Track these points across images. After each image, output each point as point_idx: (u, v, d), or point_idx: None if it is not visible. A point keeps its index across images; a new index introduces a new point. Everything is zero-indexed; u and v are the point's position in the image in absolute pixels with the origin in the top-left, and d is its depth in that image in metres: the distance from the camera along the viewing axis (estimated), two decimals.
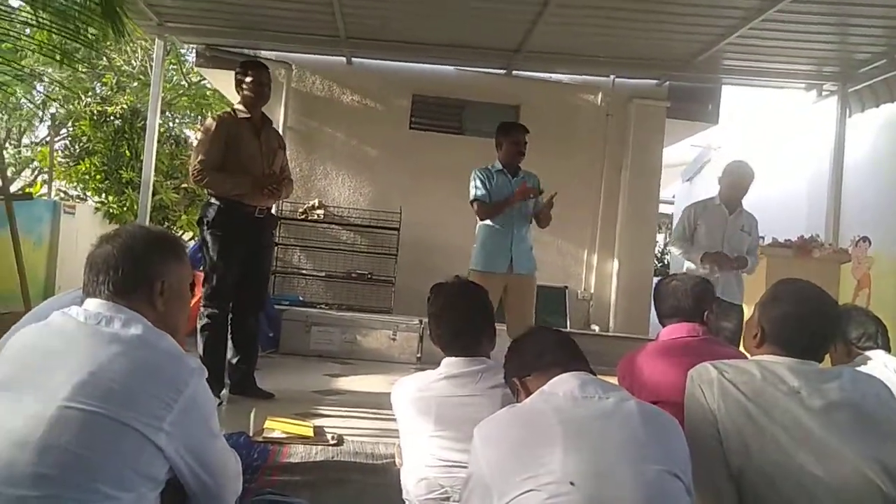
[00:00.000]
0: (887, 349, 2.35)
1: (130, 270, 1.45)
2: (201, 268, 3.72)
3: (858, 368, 2.06)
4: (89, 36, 4.48)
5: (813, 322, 1.64)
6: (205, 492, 1.44)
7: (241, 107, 3.78)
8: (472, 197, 4.21)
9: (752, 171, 4.37)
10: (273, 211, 3.96)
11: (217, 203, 3.64)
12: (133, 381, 1.30)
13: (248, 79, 3.72)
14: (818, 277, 4.07)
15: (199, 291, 3.65)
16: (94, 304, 1.42)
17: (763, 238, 4.86)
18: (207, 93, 10.78)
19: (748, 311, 4.12)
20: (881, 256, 6.25)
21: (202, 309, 3.66)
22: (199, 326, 3.66)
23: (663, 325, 2.21)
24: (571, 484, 1.26)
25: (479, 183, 4.18)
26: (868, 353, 2.32)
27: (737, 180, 4.34)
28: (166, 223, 9.09)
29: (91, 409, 1.25)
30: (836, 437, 1.49)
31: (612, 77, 6.96)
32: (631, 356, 2.11)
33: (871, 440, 1.49)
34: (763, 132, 8.71)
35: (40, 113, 11.37)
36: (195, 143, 3.85)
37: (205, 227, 3.68)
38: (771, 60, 6.07)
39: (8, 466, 1.21)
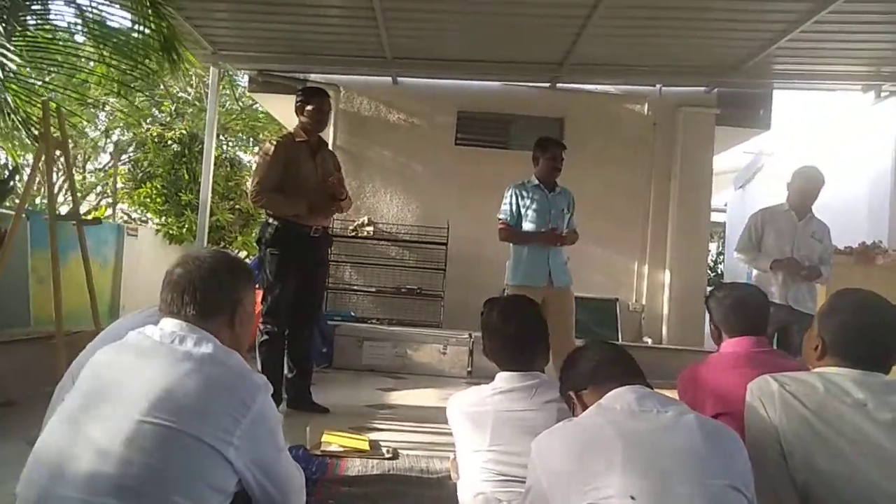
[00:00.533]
0: None
1: (216, 294, 1.54)
2: (257, 285, 3.84)
3: None
4: (148, 67, 4.74)
5: (874, 332, 1.60)
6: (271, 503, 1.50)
7: (299, 130, 3.91)
8: (499, 214, 4.28)
9: (823, 176, 4.25)
10: (328, 230, 4.07)
11: (274, 223, 3.78)
12: (204, 397, 1.37)
13: (310, 107, 3.84)
14: (883, 285, 3.92)
15: (258, 308, 3.78)
16: (169, 324, 1.50)
17: None
18: (260, 115, 11.14)
19: None
20: None
21: (260, 325, 3.78)
22: (257, 343, 3.78)
23: (719, 340, 2.17)
24: (632, 498, 1.26)
25: (509, 201, 4.23)
26: None
27: (807, 185, 4.22)
28: (222, 243, 9.41)
29: (166, 424, 1.32)
30: None
31: (658, 86, 6.90)
32: (694, 368, 2.08)
33: None
34: (818, 136, 8.45)
35: (103, 140, 11.94)
36: (254, 165, 4.01)
37: (263, 246, 3.82)
38: (825, 63, 5.92)
39: (92, 476, 1.29)
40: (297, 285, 3.80)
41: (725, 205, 11.68)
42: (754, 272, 4.36)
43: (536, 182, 4.24)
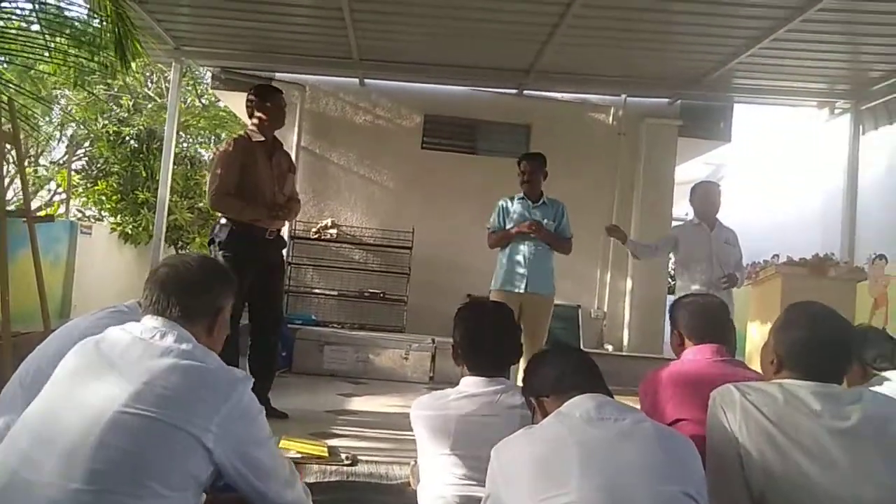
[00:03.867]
0: None
1: (202, 298, 1.58)
2: None
3: (875, 389, 2.04)
4: (104, 60, 4.59)
5: (828, 345, 1.63)
6: (262, 500, 1.51)
7: (254, 130, 3.84)
8: (486, 225, 4.54)
9: (719, 186, 4.71)
10: (283, 232, 4.02)
11: (228, 224, 3.71)
12: (184, 387, 1.40)
13: (269, 104, 3.80)
14: (834, 296, 4.05)
15: None
16: (151, 321, 1.53)
17: (777, 256, 4.86)
18: (223, 114, 10.92)
19: (739, 327, 4.24)
20: None
21: None
22: None
23: (681, 348, 2.18)
24: (579, 492, 1.28)
25: (495, 213, 4.49)
26: (884, 373, 2.29)
27: (707, 194, 4.61)
28: (180, 243, 9.19)
29: (145, 414, 1.35)
30: (859, 458, 1.48)
31: (623, 96, 7.00)
32: (654, 374, 2.10)
33: (894, 461, 1.48)
34: (777, 150, 8.70)
35: (58, 134, 11.55)
36: (212, 166, 3.93)
37: (216, 248, 3.73)
38: (782, 79, 6.09)
39: (66, 462, 1.30)
40: (251, 289, 3.71)
41: (686, 214, 11.92)
42: (677, 286, 4.62)
43: (522, 194, 4.46)
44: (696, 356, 2.07)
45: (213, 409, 1.40)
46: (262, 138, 3.80)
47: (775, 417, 1.53)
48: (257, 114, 3.82)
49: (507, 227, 4.39)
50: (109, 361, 1.44)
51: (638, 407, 1.97)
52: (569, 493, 1.29)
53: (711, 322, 2.12)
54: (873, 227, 6.30)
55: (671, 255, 5.03)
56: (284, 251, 4.18)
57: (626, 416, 1.45)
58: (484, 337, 2.10)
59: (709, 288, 4.29)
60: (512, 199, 4.47)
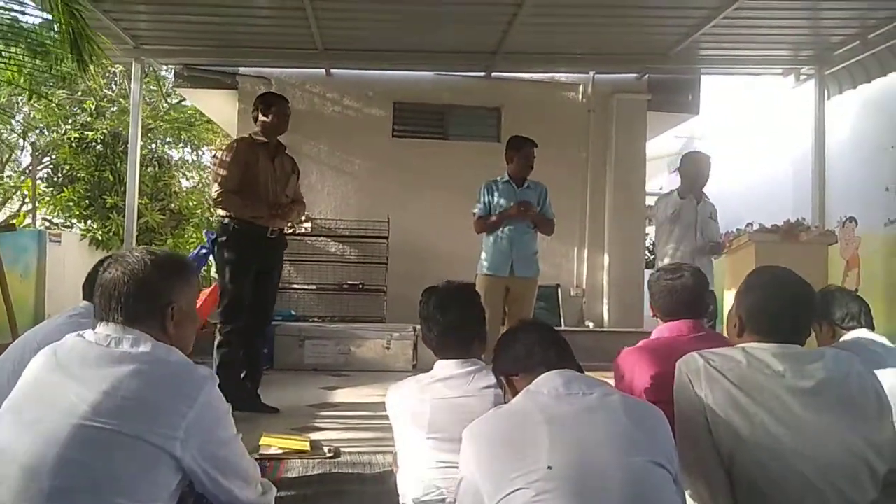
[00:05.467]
0: (871, 328, 2.36)
1: (142, 299, 1.47)
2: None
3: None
4: (63, 68, 4.47)
5: (786, 308, 1.64)
6: (233, 500, 1.47)
7: (258, 133, 3.90)
8: (472, 209, 4.46)
9: (709, 158, 4.59)
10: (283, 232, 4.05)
11: (232, 223, 3.75)
12: (146, 395, 1.34)
13: (273, 109, 3.86)
14: (806, 261, 4.10)
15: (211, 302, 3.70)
16: (104, 328, 1.45)
17: (751, 224, 4.91)
18: (189, 112, 10.68)
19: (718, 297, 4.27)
20: (868, 236, 6.28)
21: (219, 326, 3.74)
22: (215, 344, 3.72)
23: (663, 321, 2.17)
24: (549, 468, 1.28)
25: (480, 198, 4.43)
26: (852, 332, 2.32)
27: (697, 162, 4.57)
28: (153, 246, 9.04)
29: (106, 427, 1.29)
30: (822, 416, 1.50)
31: (591, 73, 6.99)
32: (627, 353, 2.09)
33: (855, 418, 1.50)
34: (746, 119, 8.76)
35: (21, 143, 11.27)
36: (215, 164, 3.96)
37: (219, 247, 3.79)
38: (747, 48, 6.13)
39: (28, 479, 1.25)
40: (252, 286, 3.78)
41: (661, 189, 12.01)
42: (658, 256, 4.65)
43: (507, 178, 4.42)
44: (672, 333, 2.07)
45: (180, 415, 1.34)
46: (265, 140, 3.87)
47: (739, 381, 1.55)
48: (261, 118, 3.89)
49: (493, 209, 4.35)
50: (68, 371, 1.38)
51: (613, 383, 1.98)
52: (539, 470, 1.29)
53: (680, 300, 2.11)
54: (842, 189, 6.38)
55: (647, 225, 5.03)
56: (285, 251, 4.18)
57: (595, 390, 1.46)
58: (447, 321, 2.08)
59: (693, 258, 4.28)
60: (495, 182, 4.43)
